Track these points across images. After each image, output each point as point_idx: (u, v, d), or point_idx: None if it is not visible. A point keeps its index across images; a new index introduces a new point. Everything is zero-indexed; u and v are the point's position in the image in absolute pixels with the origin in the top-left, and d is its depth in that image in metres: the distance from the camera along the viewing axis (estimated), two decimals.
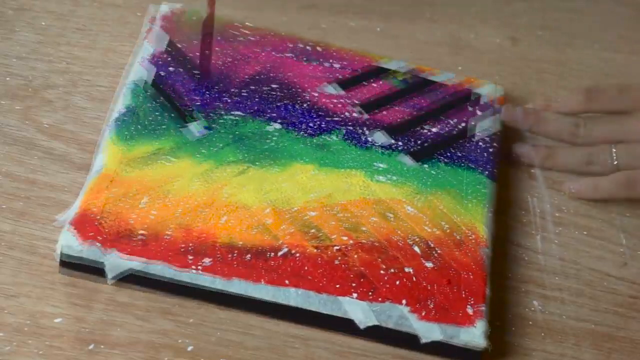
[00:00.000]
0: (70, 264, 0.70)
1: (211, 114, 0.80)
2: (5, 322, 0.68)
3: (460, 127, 0.84)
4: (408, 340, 0.71)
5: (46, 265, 0.71)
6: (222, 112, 0.80)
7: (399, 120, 0.83)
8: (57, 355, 0.67)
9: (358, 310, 0.71)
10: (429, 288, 0.72)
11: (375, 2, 0.97)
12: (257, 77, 0.84)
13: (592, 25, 1.00)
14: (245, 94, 0.82)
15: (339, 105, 0.83)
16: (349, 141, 0.81)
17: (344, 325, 0.71)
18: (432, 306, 0.71)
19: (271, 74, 0.84)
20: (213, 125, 0.79)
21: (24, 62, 0.84)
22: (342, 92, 0.84)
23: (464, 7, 0.99)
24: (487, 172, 0.81)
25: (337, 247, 0.73)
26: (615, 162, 0.83)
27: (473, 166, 0.81)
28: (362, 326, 0.71)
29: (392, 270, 0.73)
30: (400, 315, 0.71)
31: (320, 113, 0.82)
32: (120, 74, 0.84)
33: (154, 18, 0.86)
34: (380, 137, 0.82)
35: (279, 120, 0.81)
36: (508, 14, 1.00)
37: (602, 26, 1.00)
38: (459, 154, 0.82)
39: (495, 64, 0.94)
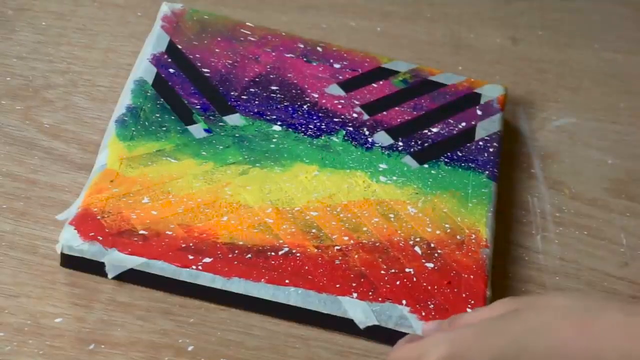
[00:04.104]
0: (71, 262, 0.70)
1: (211, 117, 0.80)
2: (6, 322, 0.68)
3: (461, 127, 0.84)
4: None
5: (47, 265, 0.71)
6: (223, 115, 0.80)
7: (400, 121, 0.83)
8: (57, 355, 0.67)
9: (358, 310, 0.71)
10: (430, 289, 0.72)
11: (376, 2, 0.97)
12: (257, 79, 0.84)
13: (592, 25, 1.00)
14: (245, 97, 0.82)
15: (341, 107, 0.83)
16: (351, 142, 0.81)
17: (344, 325, 0.71)
18: (432, 307, 0.71)
19: (272, 75, 0.84)
20: (214, 128, 0.79)
21: (25, 62, 0.84)
22: (344, 94, 0.84)
23: (464, 7, 0.99)
24: (488, 173, 0.81)
25: (338, 247, 0.73)
26: None
27: (474, 167, 0.81)
28: (362, 326, 0.71)
29: (393, 271, 0.73)
30: (400, 316, 0.71)
31: (322, 114, 0.82)
32: (121, 74, 0.84)
33: (166, 16, 0.86)
34: (382, 138, 0.82)
35: (279, 122, 0.81)
36: (508, 13, 1.00)
37: (602, 26, 1.01)
38: (460, 155, 0.82)
39: (495, 63, 0.94)
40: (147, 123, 0.78)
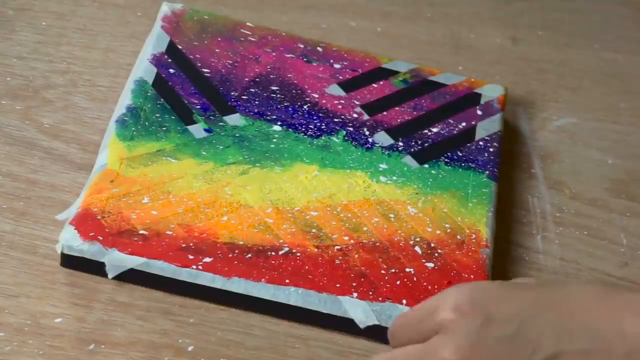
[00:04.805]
0: (71, 262, 0.70)
1: (212, 117, 0.80)
2: (6, 322, 0.68)
3: (461, 127, 0.84)
4: None
5: (47, 265, 0.71)
6: (223, 115, 0.80)
7: (400, 121, 0.83)
8: (57, 355, 0.67)
9: (358, 310, 0.71)
10: (430, 288, 0.72)
11: (376, 2, 0.97)
12: (257, 79, 0.84)
13: (592, 25, 1.00)
14: (246, 97, 0.82)
15: (341, 107, 0.83)
16: (352, 142, 0.81)
17: (345, 325, 0.71)
18: None
19: (272, 75, 0.84)
20: (214, 128, 0.79)
21: (25, 62, 0.84)
22: (344, 94, 0.84)
23: (464, 7, 0.99)
24: (488, 172, 0.81)
25: (338, 247, 0.73)
26: None
27: (474, 167, 0.81)
28: (362, 326, 0.71)
29: (393, 271, 0.73)
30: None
31: (322, 114, 0.82)
32: (121, 74, 0.84)
33: (166, 16, 0.86)
34: (382, 138, 0.82)
35: (280, 122, 0.81)
36: (508, 13, 1.00)
37: (602, 26, 1.01)
38: (460, 155, 0.82)
39: (495, 63, 0.94)
40: (147, 123, 0.78)
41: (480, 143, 0.83)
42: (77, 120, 0.80)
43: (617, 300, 0.60)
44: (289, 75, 0.85)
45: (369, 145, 0.81)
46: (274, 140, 0.79)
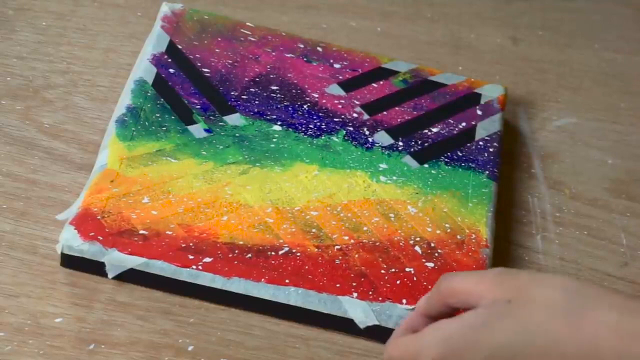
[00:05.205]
0: (71, 262, 0.70)
1: (212, 117, 0.80)
2: (6, 322, 0.68)
3: (461, 127, 0.84)
4: None
5: (47, 265, 0.71)
6: (223, 115, 0.80)
7: (400, 121, 0.83)
8: (57, 355, 0.67)
9: (358, 310, 0.71)
10: (430, 288, 0.72)
11: (376, 2, 0.97)
12: (257, 79, 0.84)
13: (592, 25, 1.00)
14: (246, 97, 0.82)
15: (341, 107, 0.83)
16: (352, 142, 0.81)
17: (344, 325, 0.71)
18: None
19: (272, 75, 0.84)
20: (214, 128, 0.79)
21: (25, 62, 0.84)
22: (344, 94, 0.84)
23: (464, 7, 0.99)
24: (488, 173, 0.81)
25: (338, 247, 0.73)
26: None
27: (474, 167, 0.81)
28: (362, 326, 0.71)
29: (393, 270, 0.73)
30: (400, 315, 0.71)
31: (322, 114, 0.82)
32: (121, 74, 0.84)
33: (166, 16, 0.86)
34: (382, 138, 0.82)
35: (280, 122, 0.81)
36: (508, 13, 1.00)
37: (602, 26, 1.01)
38: (460, 155, 0.82)
39: (495, 63, 0.94)
40: (147, 123, 0.78)
41: (480, 143, 0.83)
42: (77, 120, 0.81)
43: (589, 328, 0.59)
44: (289, 75, 0.85)
45: (369, 145, 0.81)
46: (274, 140, 0.79)
